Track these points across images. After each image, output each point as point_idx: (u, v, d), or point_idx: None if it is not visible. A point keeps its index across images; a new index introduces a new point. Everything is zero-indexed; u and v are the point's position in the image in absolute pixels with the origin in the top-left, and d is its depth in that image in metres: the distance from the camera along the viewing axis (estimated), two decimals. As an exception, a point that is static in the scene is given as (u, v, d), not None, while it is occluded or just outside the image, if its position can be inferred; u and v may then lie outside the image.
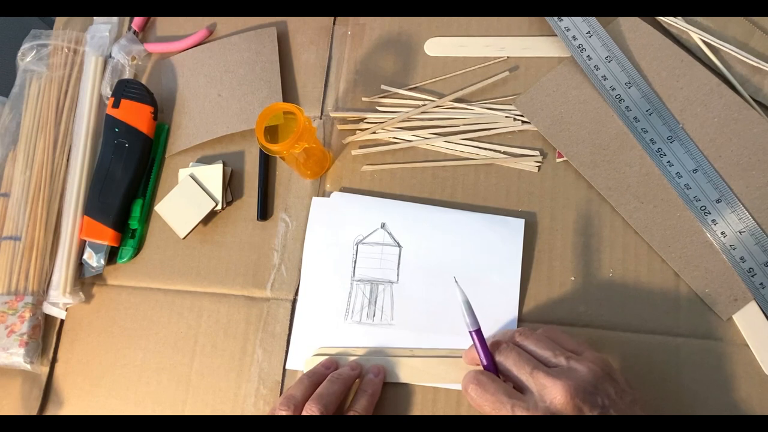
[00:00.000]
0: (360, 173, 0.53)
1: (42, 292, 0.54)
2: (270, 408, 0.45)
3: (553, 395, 0.35)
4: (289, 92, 0.57)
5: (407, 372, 0.46)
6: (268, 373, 0.49)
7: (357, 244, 0.50)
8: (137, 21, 0.63)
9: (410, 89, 0.54)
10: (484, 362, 0.40)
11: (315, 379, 0.44)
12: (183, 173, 0.55)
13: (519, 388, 0.38)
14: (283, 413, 0.41)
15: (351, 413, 0.42)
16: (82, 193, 0.56)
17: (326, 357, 0.47)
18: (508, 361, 0.39)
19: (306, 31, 0.59)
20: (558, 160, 0.49)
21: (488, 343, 0.41)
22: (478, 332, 0.41)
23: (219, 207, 0.53)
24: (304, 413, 0.41)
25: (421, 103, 0.53)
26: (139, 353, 0.52)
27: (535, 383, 0.36)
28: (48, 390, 0.53)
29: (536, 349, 0.39)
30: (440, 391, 0.45)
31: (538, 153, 0.50)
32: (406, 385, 0.46)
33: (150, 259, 0.55)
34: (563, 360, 0.37)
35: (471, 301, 0.41)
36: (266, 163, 0.55)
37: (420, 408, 0.45)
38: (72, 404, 0.52)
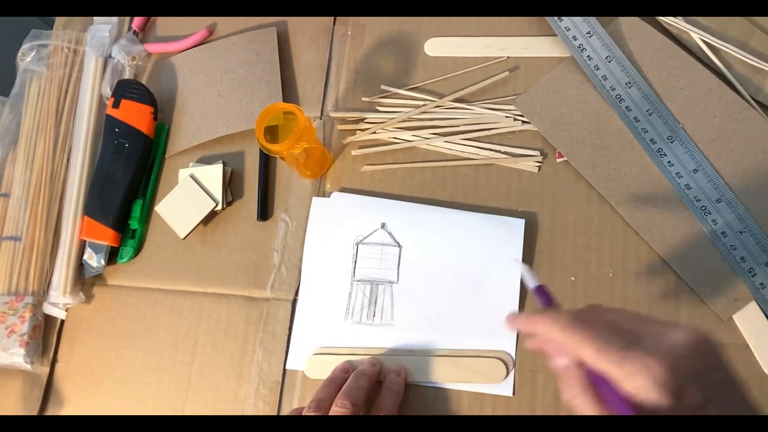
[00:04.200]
0: (360, 173, 0.53)
1: (42, 293, 0.54)
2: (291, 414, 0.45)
3: (675, 335, 0.29)
4: (289, 92, 0.57)
5: (410, 371, 0.46)
6: (268, 374, 0.49)
7: (357, 244, 0.50)
8: (137, 21, 0.63)
9: (410, 89, 0.54)
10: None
11: (338, 382, 0.44)
12: (183, 173, 0.55)
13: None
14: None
15: (383, 413, 0.42)
16: (83, 194, 0.56)
17: (329, 355, 0.47)
18: (608, 314, 0.32)
19: (306, 31, 0.59)
20: (558, 160, 0.49)
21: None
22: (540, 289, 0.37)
23: (219, 207, 0.53)
24: (334, 408, 0.41)
25: (421, 103, 0.53)
26: (140, 353, 0.52)
27: (646, 330, 0.30)
28: (48, 390, 0.53)
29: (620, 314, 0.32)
30: (441, 391, 0.45)
31: (538, 153, 0.50)
32: (409, 386, 0.46)
33: (150, 259, 0.55)
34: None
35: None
36: (266, 163, 0.55)
37: (419, 408, 0.45)
38: (72, 404, 0.52)
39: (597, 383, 0.31)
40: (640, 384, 0.27)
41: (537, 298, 0.37)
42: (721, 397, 0.28)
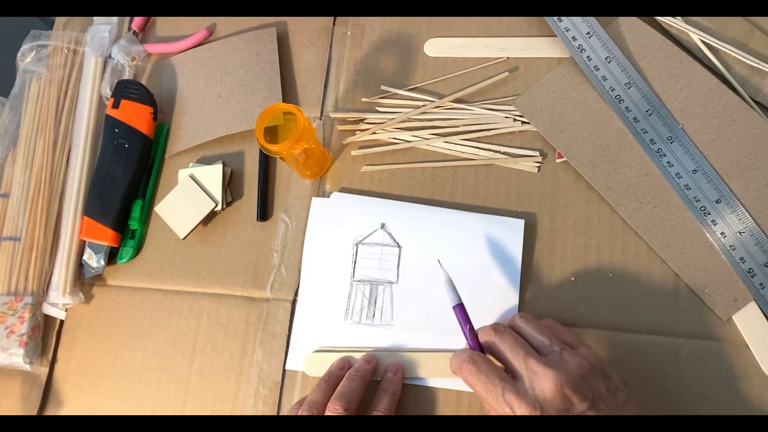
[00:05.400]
0: (360, 174, 0.53)
1: (42, 293, 0.54)
2: (288, 413, 0.45)
3: (543, 384, 0.36)
4: (288, 93, 0.57)
5: (409, 369, 0.46)
6: (267, 374, 0.49)
7: (357, 245, 0.50)
8: (137, 21, 0.63)
9: (410, 90, 0.54)
10: (468, 340, 0.41)
11: (332, 381, 0.44)
12: (183, 174, 0.55)
13: (511, 372, 0.38)
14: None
15: (375, 413, 0.42)
16: (82, 194, 0.56)
17: (328, 353, 0.47)
18: (503, 343, 0.39)
19: (306, 31, 0.59)
20: (558, 160, 0.49)
21: (487, 325, 0.41)
22: (461, 307, 0.41)
23: (219, 207, 0.53)
24: (327, 413, 0.41)
25: (420, 103, 0.53)
26: (139, 354, 0.52)
27: (527, 369, 0.37)
28: (47, 390, 0.53)
29: (533, 334, 0.40)
30: (440, 392, 0.45)
31: (537, 153, 0.50)
32: (408, 386, 0.46)
33: (150, 259, 0.55)
34: (557, 349, 0.38)
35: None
36: (266, 163, 0.55)
37: (418, 409, 0.45)
38: (71, 405, 0.52)
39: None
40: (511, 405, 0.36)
41: (456, 316, 0.42)
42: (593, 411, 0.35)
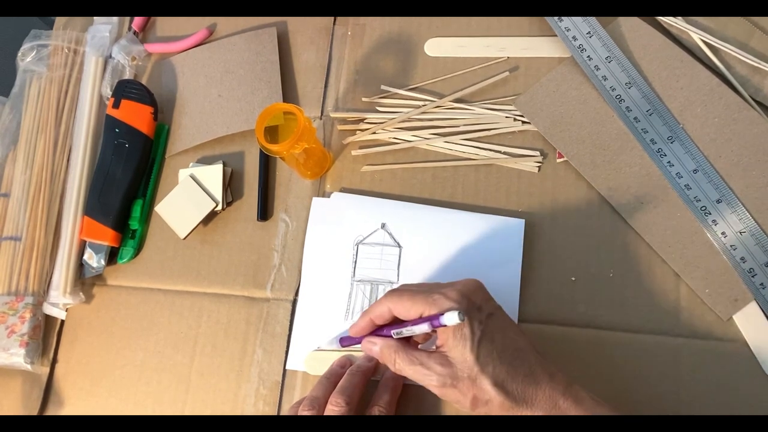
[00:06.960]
0: (360, 173, 0.53)
1: (42, 293, 0.54)
2: (289, 411, 0.45)
3: (461, 282, 0.40)
4: (289, 92, 0.57)
5: None
6: (268, 374, 0.49)
7: (357, 245, 0.50)
8: (137, 21, 0.63)
9: (410, 89, 0.54)
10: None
11: (333, 378, 0.44)
12: (183, 173, 0.55)
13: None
14: (308, 414, 0.41)
15: (376, 409, 0.42)
16: (83, 194, 0.56)
17: (329, 352, 0.47)
18: (411, 286, 0.42)
19: (306, 31, 0.59)
20: (558, 160, 0.49)
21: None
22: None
23: (219, 207, 0.53)
24: (329, 407, 0.41)
25: (421, 103, 0.53)
26: (139, 353, 0.52)
27: (441, 285, 0.40)
28: (48, 390, 0.53)
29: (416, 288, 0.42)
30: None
31: (538, 153, 0.50)
32: (408, 386, 0.46)
33: (150, 259, 0.55)
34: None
35: None
36: (266, 163, 0.55)
37: (418, 408, 0.45)
38: (72, 404, 0.52)
39: (404, 345, 0.41)
40: (444, 305, 0.37)
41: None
42: (497, 313, 0.40)
